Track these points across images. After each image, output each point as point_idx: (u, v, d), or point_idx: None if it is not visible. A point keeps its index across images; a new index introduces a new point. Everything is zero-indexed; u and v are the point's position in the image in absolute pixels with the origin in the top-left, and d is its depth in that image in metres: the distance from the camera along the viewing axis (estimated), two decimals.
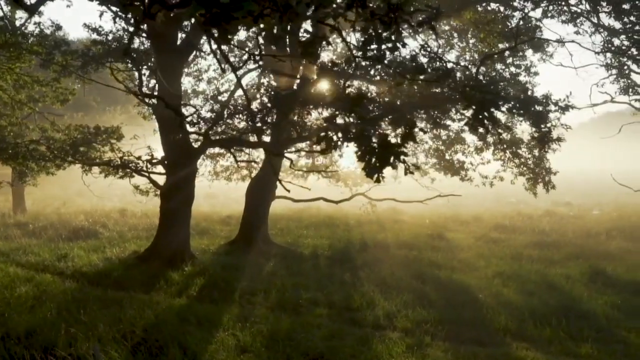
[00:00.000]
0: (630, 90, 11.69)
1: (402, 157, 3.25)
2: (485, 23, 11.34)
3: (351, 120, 3.65)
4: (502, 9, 12.56)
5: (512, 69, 16.25)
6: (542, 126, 9.23)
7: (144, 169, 11.96)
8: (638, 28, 10.07)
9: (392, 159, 3.17)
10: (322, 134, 3.58)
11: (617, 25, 10.82)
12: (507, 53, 15.33)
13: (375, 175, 3.23)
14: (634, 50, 10.45)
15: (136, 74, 11.90)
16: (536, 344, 7.05)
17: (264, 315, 7.90)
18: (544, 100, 9.44)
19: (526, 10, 13.47)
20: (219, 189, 26.69)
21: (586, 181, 38.96)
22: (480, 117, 3.49)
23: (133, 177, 13.37)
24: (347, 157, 20.76)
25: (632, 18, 10.20)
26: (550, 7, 13.41)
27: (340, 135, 3.60)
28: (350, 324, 7.80)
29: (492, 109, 3.44)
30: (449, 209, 22.66)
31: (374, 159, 3.11)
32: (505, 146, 14.07)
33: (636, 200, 23.81)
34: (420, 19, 3.78)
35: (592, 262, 11.73)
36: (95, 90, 30.80)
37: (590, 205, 24.46)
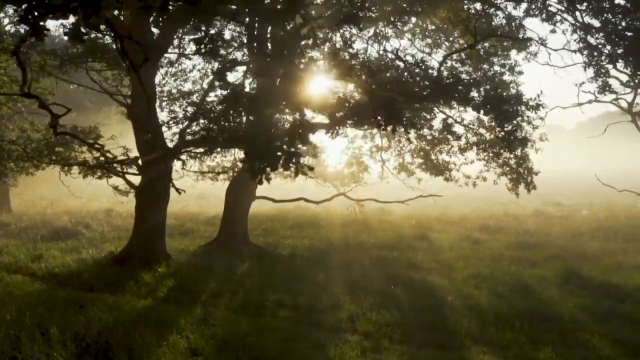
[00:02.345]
0: (607, 89, 11.56)
1: (295, 158, 3.16)
2: (459, 21, 11.21)
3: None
4: (478, 6, 12.46)
5: (497, 67, 16.20)
6: (506, 126, 9.09)
7: (119, 169, 11.89)
8: (613, 26, 9.91)
9: (282, 160, 3.08)
10: (203, 133, 3.47)
11: (596, 23, 10.69)
12: (487, 51, 15.23)
13: (259, 177, 3.13)
14: (609, 48, 10.29)
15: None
16: (495, 348, 6.94)
17: (224, 317, 7.82)
18: (513, 100, 9.32)
19: (508, 9, 13.38)
20: (210, 190, 26.66)
21: (581, 181, 38.66)
22: (386, 116, 3.39)
23: (111, 177, 13.33)
24: (334, 157, 20.71)
25: (609, 15, 10.05)
26: (533, 6, 13.29)
27: (225, 136, 3.50)
28: (311, 327, 7.70)
29: (397, 109, 3.32)
30: (437, 209, 22.54)
31: (259, 161, 3.02)
32: (487, 146, 13.97)
33: (628, 200, 23.64)
34: (342, 16, 3.67)
35: (568, 264, 11.59)
36: (90, 90, 30.81)
37: (581, 205, 24.29)
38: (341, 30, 15.80)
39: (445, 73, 9.90)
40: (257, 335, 6.94)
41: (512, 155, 13.60)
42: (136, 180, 12.42)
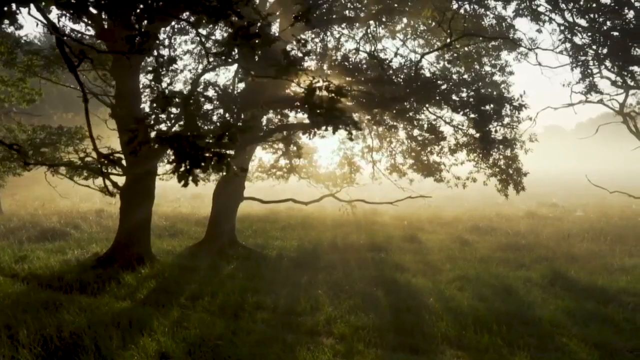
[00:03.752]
0: (593, 90, 11.44)
1: (224, 159, 3.09)
2: (444, 21, 11.11)
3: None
4: (467, 7, 12.37)
5: (487, 68, 16.12)
6: (485, 127, 8.98)
7: (103, 169, 11.81)
8: (598, 26, 9.80)
9: (212, 162, 3.01)
10: (132, 133, 3.41)
11: (583, 23, 10.57)
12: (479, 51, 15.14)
13: (184, 180, 3.07)
14: (594, 48, 10.18)
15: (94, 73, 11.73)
16: (471, 352, 6.84)
17: (200, 319, 7.73)
18: (494, 101, 9.21)
19: (498, 9, 13.27)
20: (206, 190, 26.59)
21: (578, 182, 38.41)
22: (330, 118, 3.33)
23: (97, 177, 13.25)
24: (325, 158, 20.59)
25: (594, 15, 9.93)
26: (522, 6, 13.19)
27: (153, 136, 3.43)
28: (287, 330, 7.61)
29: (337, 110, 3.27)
30: (430, 210, 22.43)
31: (185, 163, 2.95)
32: (476, 146, 13.85)
33: (624, 201, 23.49)
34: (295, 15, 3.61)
35: (555, 265, 11.49)
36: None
37: (575, 206, 24.16)
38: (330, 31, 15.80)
39: (428, 74, 9.79)
40: (230, 338, 6.86)
41: (500, 156, 13.50)
42: (121, 180, 12.35)
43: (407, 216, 20.41)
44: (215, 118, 10.60)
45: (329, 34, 15.94)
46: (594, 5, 10.04)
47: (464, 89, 9.92)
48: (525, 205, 23.57)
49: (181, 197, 27.05)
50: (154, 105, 3.42)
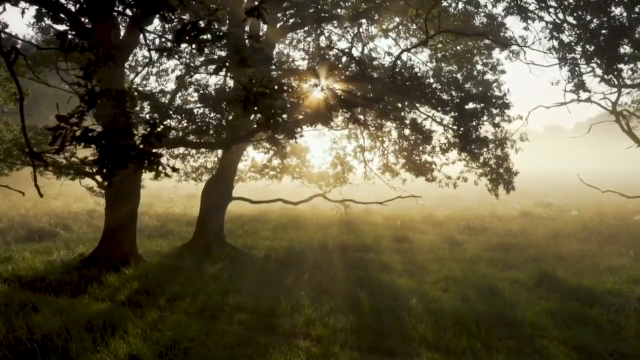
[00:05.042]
0: (582, 89, 11.30)
1: (150, 158, 2.99)
2: (415, 17, 10.97)
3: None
4: (457, 4, 12.25)
5: (479, 67, 15.99)
6: (465, 125, 8.85)
7: (87, 169, 11.75)
8: (584, 23, 9.66)
9: (145, 163, 2.92)
10: (57, 133, 3.32)
11: (571, 20, 10.43)
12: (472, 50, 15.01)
13: (109, 178, 2.98)
14: (580, 45, 10.04)
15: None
16: (449, 354, 6.74)
17: (177, 321, 7.65)
18: (477, 99, 9.08)
19: (488, 7, 13.13)
20: (199, 190, 26.47)
21: (575, 181, 38.21)
22: (272, 121, 3.23)
23: (84, 178, 13.19)
24: (318, 157, 20.49)
25: (581, 13, 9.80)
26: (512, 4, 13.06)
27: (77, 134, 3.34)
28: (265, 332, 7.52)
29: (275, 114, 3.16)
30: (425, 209, 22.32)
31: (108, 163, 2.87)
32: (463, 146, 13.72)
33: (619, 200, 23.32)
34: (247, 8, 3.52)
35: (544, 266, 11.37)
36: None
37: (571, 205, 23.99)
38: (320, 30, 15.70)
39: (416, 72, 9.65)
40: (203, 341, 6.77)
41: (491, 156, 13.37)
42: None
43: (400, 216, 20.30)
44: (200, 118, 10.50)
45: (319, 32, 15.91)
46: (581, 2, 9.90)
47: (453, 88, 9.79)
48: (520, 204, 23.41)
49: (175, 198, 26.96)
50: (83, 101, 3.33)
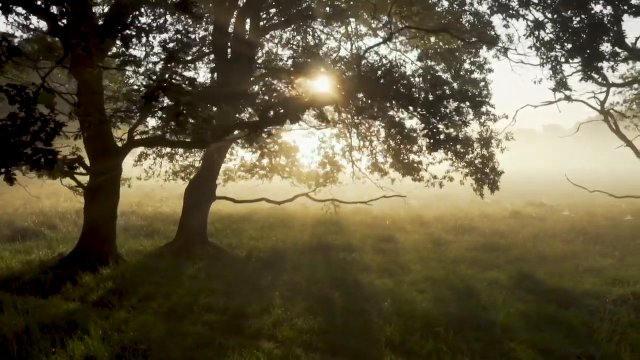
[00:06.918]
0: (563, 87, 11.15)
1: (46, 156, 2.89)
2: (406, 17, 10.87)
3: None
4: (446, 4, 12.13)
5: (467, 65, 15.84)
6: (431, 124, 8.72)
7: (66, 168, 11.64)
8: (564, 21, 9.51)
9: (42, 160, 2.81)
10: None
11: (553, 18, 10.28)
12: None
13: (8, 180, 2.88)
14: (560, 43, 9.90)
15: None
16: (413, 357, 6.63)
17: (143, 322, 7.57)
18: (451, 99, 8.95)
19: (475, 6, 13.03)
20: None
21: (574, 180, 37.94)
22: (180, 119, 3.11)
23: (65, 177, 13.08)
24: (307, 157, 20.37)
25: (562, 10, 9.65)
26: (497, 3, 12.93)
27: None
28: (231, 333, 7.42)
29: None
30: (415, 209, 22.18)
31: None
32: (450, 145, 13.59)
33: (613, 201, 23.11)
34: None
35: (525, 266, 11.23)
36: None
37: (563, 206, 23.80)
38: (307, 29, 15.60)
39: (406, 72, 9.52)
40: (164, 342, 6.68)
41: (476, 155, 13.25)
42: (86, 180, 12.20)
43: (390, 216, 20.17)
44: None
45: (305, 30, 15.81)
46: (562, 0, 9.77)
47: (429, 86, 9.65)
48: (512, 204, 23.25)
49: (168, 197, 26.88)
50: None
